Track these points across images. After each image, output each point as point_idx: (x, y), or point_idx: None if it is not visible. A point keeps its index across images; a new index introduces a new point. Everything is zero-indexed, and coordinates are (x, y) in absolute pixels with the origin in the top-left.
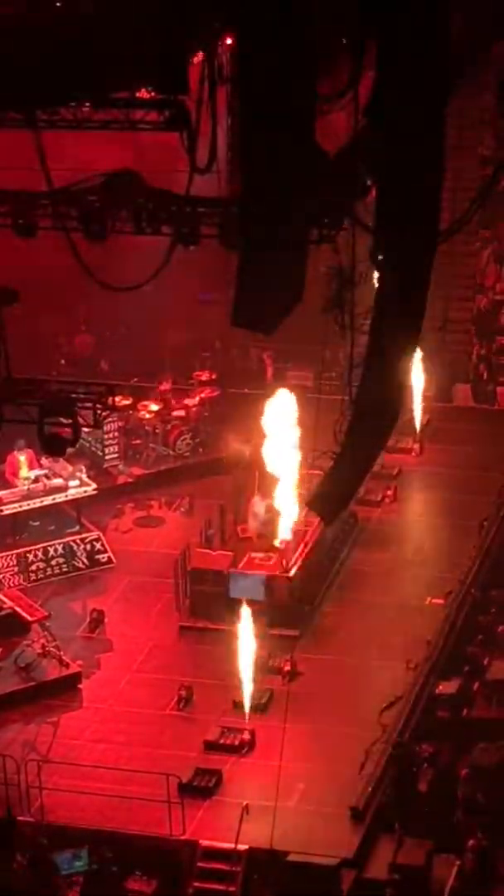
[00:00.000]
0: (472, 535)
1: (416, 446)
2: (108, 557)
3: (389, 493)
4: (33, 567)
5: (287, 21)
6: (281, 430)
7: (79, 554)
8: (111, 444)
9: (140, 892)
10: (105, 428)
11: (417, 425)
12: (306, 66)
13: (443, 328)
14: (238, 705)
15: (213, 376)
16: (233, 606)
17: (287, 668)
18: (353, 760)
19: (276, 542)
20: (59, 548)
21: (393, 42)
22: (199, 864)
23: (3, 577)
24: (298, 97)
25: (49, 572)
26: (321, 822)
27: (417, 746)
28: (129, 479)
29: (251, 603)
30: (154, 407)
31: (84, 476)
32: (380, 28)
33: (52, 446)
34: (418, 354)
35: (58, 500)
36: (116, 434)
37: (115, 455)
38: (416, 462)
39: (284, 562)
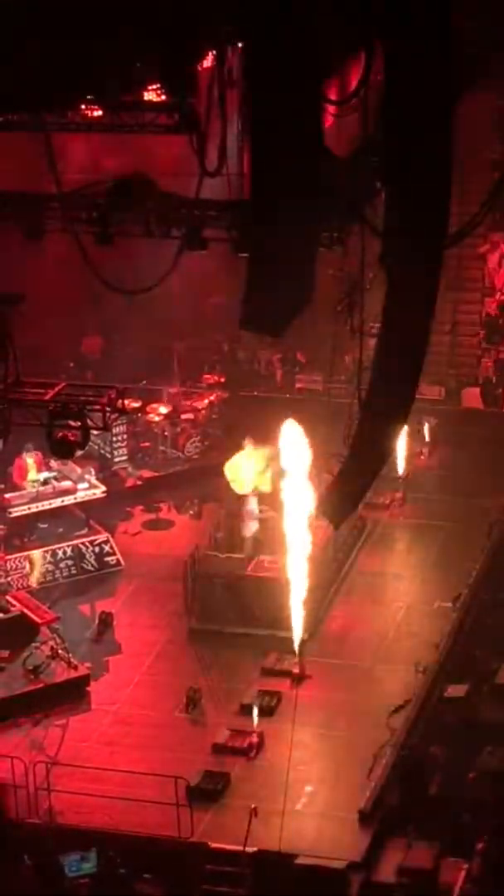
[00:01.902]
0: (480, 538)
1: (425, 450)
2: (117, 560)
3: (398, 496)
4: (42, 569)
5: (290, 24)
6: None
7: (87, 556)
8: (120, 447)
9: (148, 895)
10: (114, 430)
11: (426, 430)
12: (312, 69)
13: (452, 331)
14: (246, 708)
15: (222, 379)
16: (241, 609)
17: (295, 671)
18: (361, 763)
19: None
20: (68, 550)
21: (397, 45)
22: (208, 866)
23: (12, 580)
24: (305, 100)
25: (58, 575)
26: (329, 825)
27: (427, 750)
28: (138, 482)
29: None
30: (163, 410)
31: (93, 479)
32: (382, 31)
33: (61, 449)
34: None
35: (66, 503)
36: (125, 437)
37: (124, 458)
38: (424, 465)
39: None
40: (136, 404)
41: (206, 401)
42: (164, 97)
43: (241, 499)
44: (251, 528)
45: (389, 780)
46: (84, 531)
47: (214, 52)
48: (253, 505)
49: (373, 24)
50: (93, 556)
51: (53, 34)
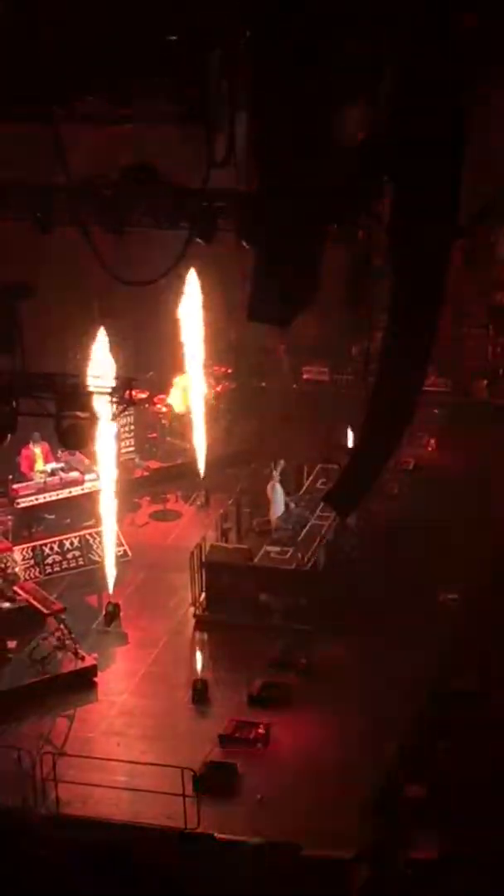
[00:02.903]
0: (487, 529)
1: (433, 441)
2: (124, 551)
3: (405, 487)
4: (49, 560)
5: (300, 15)
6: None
7: (94, 547)
8: (127, 438)
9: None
10: (121, 421)
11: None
12: (322, 62)
13: (460, 322)
14: (253, 699)
15: (230, 370)
16: (248, 600)
17: (302, 662)
18: (368, 755)
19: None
20: (75, 541)
21: (404, 38)
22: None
23: (19, 570)
24: (314, 91)
25: (65, 565)
26: (335, 816)
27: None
28: (145, 473)
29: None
30: (170, 400)
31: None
32: (390, 24)
33: (69, 440)
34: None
35: (74, 494)
36: (132, 427)
37: (131, 449)
38: (431, 457)
39: (301, 556)
40: (144, 395)
41: (214, 391)
42: (171, 88)
43: (269, 483)
44: (277, 511)
45: (397, 772)
46: (91, 522)
47: (224, 41)
48: (280, 489)
49: (383, 20)
50: (100, 547)
51: (62, 27)
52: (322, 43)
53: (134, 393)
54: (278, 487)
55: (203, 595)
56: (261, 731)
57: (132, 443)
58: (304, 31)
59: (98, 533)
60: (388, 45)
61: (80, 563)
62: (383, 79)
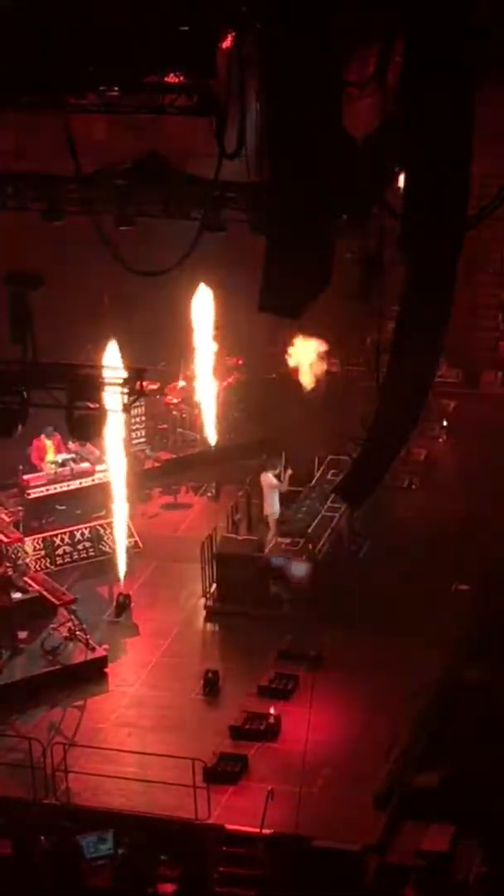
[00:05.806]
0: (499, 521)
1: (444, 433)
2: (135, 542)
3: (416, 479)
4: (60, 551)
5: (308, 7)
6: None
7: (105, 538)
8: (138, 429)
9: (165, 877)
10: (132, 412)
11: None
12: (332, 51)
13: (470, 314)
14: (263, 691)
15: (240, 361)
16: (259, 591)
17: (312, 653)
18: (378, 746)
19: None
20: (86, 532)
21: (418, 27)
22: (224, 848)
23: (30, 561)
24: (325, 82)
25: (76, 556)
26: (346, 808)
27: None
28: (156, 464)
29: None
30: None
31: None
32: (403, 13)
33: (80, 431)
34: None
35: (85, 485)
36: (143, 418)
37: (142, 440)
38: (442, 448)
39: (311, 546)
40: (154, 386)
41: (225, 383)
42: (182, 79)
43: (261, 474)
44: (274, 504)
45: (407, 761)
46: (102, 513)
47: (233, 33)
48: (272, 478)
49: (393, 9)
50: (111, 538)
51: (74, 15)
52: (334, 31)
53: (145, 384)
54: (273, 480)
55: (214, 586)
56: (271, 722)
57: (143, 434)
58: (316, 20)
59: (109, 524)
60: (402, 32)
61: (91, 553)
62: (395, 67)
